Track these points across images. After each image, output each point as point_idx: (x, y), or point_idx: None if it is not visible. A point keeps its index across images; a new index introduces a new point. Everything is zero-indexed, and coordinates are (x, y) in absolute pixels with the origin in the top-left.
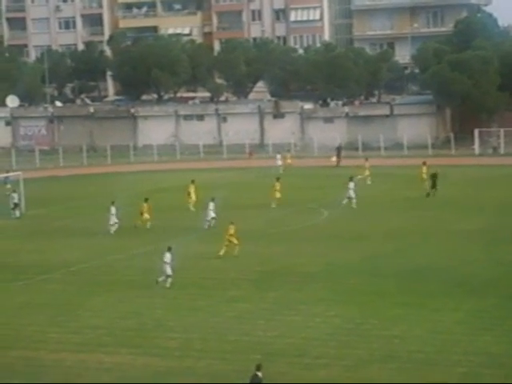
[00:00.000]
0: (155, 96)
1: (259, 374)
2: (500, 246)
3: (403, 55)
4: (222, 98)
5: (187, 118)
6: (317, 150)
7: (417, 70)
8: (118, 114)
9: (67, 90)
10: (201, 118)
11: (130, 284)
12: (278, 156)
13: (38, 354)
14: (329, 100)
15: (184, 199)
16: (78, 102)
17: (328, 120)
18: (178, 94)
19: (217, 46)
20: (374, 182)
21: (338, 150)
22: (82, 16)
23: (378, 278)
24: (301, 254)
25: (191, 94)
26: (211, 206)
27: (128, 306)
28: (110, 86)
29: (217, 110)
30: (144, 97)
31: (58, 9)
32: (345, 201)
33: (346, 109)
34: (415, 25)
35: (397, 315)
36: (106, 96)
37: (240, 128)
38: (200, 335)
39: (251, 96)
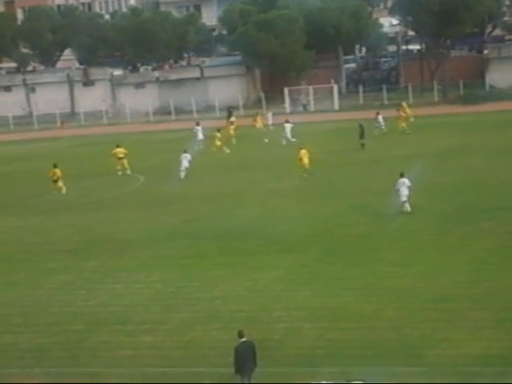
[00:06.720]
0: None
1: (245, 339)
2: (313, 201)
3: (210, 17)
4: (29, 68)
5: None
6: (129, 116)
7: (224, 32)
8: None
9: None
10: (8, 89)
11: None
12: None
13: None
14: (138, 65)
15: None
16: None
17: (139, 85)
18: None
19: (20, 15)
20: (187, 146)
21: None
22: None
23: (198, 240)
24: (119, 221)
25: None
26: None
27: None
28: None
29: (24, 80)
30: None
31: None
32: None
33: (157, 73)
34: None
35: (217, 276)
36: None
37: (50, 97)
38: (19, 310)
39: (59, 64)
